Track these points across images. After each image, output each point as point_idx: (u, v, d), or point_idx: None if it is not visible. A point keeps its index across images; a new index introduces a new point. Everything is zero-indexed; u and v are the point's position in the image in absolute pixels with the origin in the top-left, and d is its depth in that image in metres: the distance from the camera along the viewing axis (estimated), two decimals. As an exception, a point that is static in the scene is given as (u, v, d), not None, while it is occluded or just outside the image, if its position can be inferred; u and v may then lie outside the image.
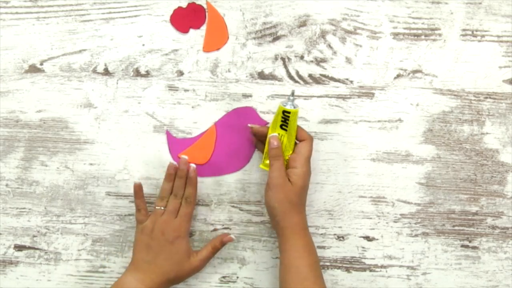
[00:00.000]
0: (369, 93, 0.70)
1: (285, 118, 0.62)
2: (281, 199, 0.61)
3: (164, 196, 0.66)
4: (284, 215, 0.61)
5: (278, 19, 0.71)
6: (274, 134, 0.63)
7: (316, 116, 0.70)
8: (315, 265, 0.61)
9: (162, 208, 0.66)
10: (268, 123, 0.68)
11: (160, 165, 0.70)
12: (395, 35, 0.71)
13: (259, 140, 0.67)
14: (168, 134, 0.70)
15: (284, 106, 0.62)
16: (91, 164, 0.70)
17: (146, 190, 0.69)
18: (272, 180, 0.62)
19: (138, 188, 0.66)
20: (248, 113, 0.69)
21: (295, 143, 0.64)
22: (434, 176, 0.70)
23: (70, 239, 0.70)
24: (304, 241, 0.62)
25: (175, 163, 0.67)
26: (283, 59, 0.71)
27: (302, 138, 0.64)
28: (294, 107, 0.62)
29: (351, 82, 0.70)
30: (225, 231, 0.70)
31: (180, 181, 0.66)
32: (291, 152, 0.64)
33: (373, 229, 0.70)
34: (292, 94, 0.62)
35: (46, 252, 0.70)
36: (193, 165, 0.67)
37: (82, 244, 0.69)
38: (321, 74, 0.71)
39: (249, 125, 0.67)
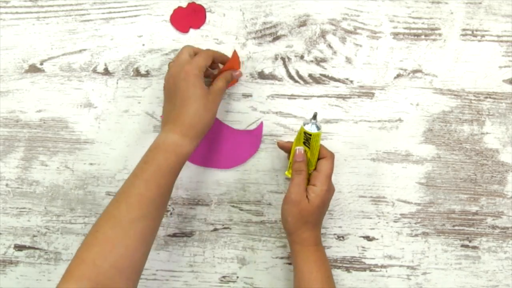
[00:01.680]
0: (369, 93, 0.70)
1: (307, 139, 0.61)
2: (295, 215, 0.61)
3: None
4: (295, 230, 0.61)
5: (278, 19, 0.71)
6: (300, 147, 0.62)
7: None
8: (327, 280, 0.61)
9: None
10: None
11: (160, 165, 0.70)
12: (395, 35, 0.71)
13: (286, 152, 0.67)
14: None
15: (306, 127, 0.60)
16: (91, 164, 0.70)
17: (146, 190, 0.69)
18: (290, 194, 0.61)
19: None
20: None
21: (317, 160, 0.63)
22: (434, 176, 0.70)
23: (70, 239, 0.70)
24: (315, 256, 0.61)
25: None
26: (283, 59, 0.71)
27: (323, 155, 0.62)
28: (318, 128, 0.60)
29: (351, 82, 0.70)
30: (225, 231, 0.70)
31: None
32: (313, 168, 0.63)
33: (373, 229, 0.70)
34: (314, 117, 0.60)
35: (46, 252, 0.70)
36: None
37: (82, 244, 0.69)
38: (321, 74, 0.71)
39: (275, 140, 0.69)
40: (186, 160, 0.60)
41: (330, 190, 0.62)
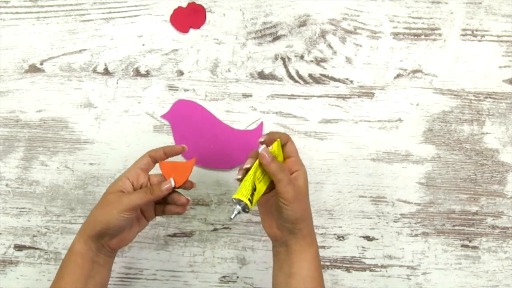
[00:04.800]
0: (369, 93, 0.70)
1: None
2: (303, 207, 0.56)
3: None
4: (302, 224, 0.56)
5: (278, 19, 0.71)
6: (262, 146, 0.55)
7: (316, 116, 0.70)
8: (322, 276, 0.58)
9: None
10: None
11: (160, 165, 0.70)
12: (395, 35, 0.71)
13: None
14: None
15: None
16: (91, 164, 0.70)
17: (146, 190, 0.69)
18: (290, 191, 0.54)
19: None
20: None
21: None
22: (434, 176, 0.70)
23: (70, 239, 0.69)
24: (314, 253, 0.57)
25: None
26: (283, 59, 0.71)
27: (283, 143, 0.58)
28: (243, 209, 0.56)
29: (351, 82, 0.70)
30: (225, 231, 0.70)
31: None
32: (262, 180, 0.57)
33: (373, 229, 0.70)
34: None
35: (46, 252, 0.70)
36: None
37: (82, 244, 0.69)
38: (321, 74, 0.71)
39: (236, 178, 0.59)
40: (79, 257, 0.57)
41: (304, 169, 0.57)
